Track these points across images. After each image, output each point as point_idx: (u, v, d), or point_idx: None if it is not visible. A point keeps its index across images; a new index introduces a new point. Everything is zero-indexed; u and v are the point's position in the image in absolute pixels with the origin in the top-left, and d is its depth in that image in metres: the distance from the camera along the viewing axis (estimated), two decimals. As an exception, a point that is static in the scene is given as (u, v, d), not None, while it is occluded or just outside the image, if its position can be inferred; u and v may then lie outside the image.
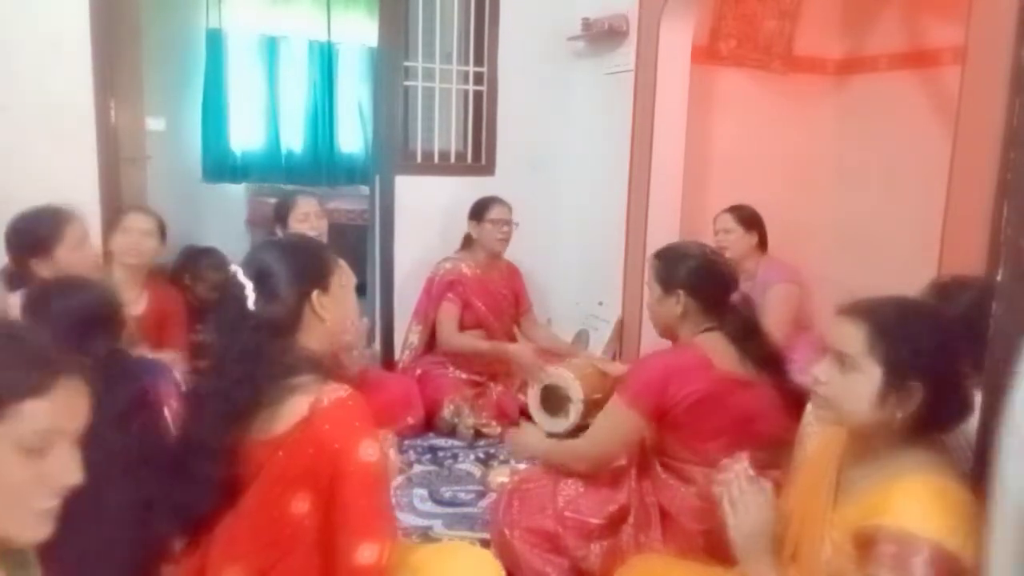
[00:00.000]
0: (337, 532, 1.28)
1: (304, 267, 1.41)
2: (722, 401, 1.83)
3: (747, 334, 1.91)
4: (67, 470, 0.88)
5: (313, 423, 1.28)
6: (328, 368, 1.38)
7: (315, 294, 1.39)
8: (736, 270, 2.20)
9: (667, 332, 2.03)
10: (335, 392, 1.31)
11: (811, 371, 1.28)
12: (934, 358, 1.18)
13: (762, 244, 3.22)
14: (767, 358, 1.91)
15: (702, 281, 1.93)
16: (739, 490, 1.34)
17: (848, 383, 1.21)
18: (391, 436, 1.65)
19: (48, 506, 0.89)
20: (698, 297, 1.92)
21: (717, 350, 1.89)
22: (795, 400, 1.86)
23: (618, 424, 1.92)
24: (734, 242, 3.14)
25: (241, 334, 1.32)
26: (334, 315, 1.42)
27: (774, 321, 2.88)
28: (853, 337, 1.20)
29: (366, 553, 1.28)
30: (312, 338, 1.39)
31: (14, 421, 0.85)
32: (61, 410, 0.88)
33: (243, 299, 1.33)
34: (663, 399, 1.84)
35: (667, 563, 1.71)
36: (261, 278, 1.36)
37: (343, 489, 1.27)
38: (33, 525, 0.89)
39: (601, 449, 1.98)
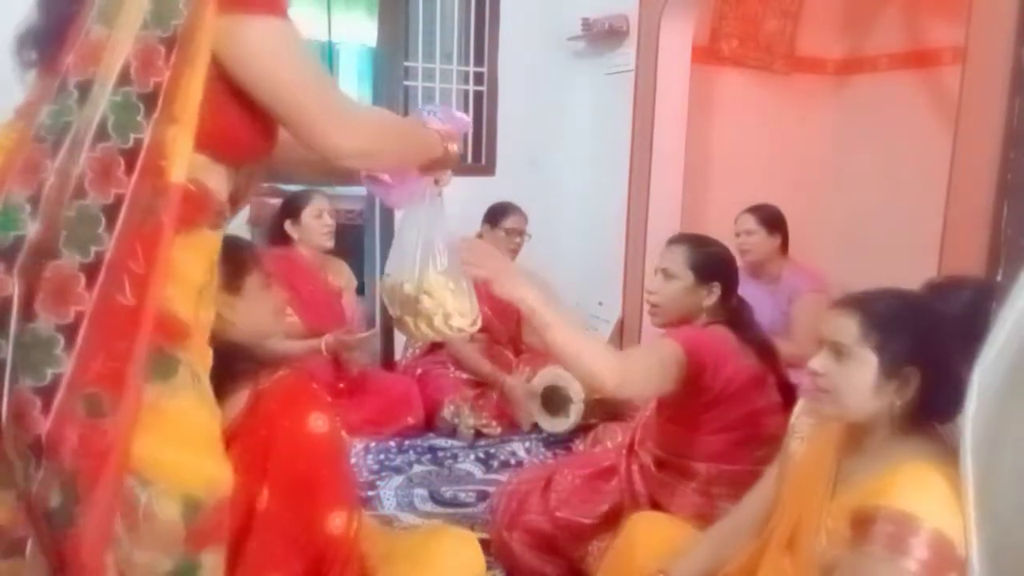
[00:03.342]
0: (303, 508, 1.28)
1: None
2: (745, 394, 1.80)
3: (747, 328, 1.91)
4: None
5: (260, 405, 1.30)
6: (261, 356, 1.39)
7: (221, 297, 1.36)
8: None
9: (680, 323, 1.97)
10: (275, 373, 1.34)
11: (808, 365, 1.29)
12: (927, 342, 1.20)
13: (784, 246, 3.07)
14: (765, 351, 1.91)
15: (733, 275, 1.94)
16: None
17: (845, 373, 1.22)
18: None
19: None
20: (728, 290, 1.92)
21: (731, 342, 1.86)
22: (791, 395, 1.87)
23: (665, 355, 1.71)
24: (756, 244, 2.98)
25: None
26: (247, 317, 1.37)
27: (805, 331, 2.75)
28: (847, 327, 1.22)
29: (337, 522, 1.29)
30: (229, 334, 1.34)
31: None
32: None
33: None
34: (705, 365, 1.73)
35: (662, 521, 1.71)
36: None
37: (301, 463, 1.28)
38: None
39: (636, 370, 1.68)
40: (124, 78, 1.01)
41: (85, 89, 1.02)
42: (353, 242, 3.92)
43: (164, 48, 1.02)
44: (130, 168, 0.99)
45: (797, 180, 3.78)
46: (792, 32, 3.70)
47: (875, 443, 1.23)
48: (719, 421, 1.82)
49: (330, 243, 2.97)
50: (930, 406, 1.21)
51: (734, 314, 1.93)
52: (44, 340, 0.94)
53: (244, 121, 1.13)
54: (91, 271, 0.96)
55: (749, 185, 3.49)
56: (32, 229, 0.97)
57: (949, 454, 1.18)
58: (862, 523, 1.14)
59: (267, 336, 1.48)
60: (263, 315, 1.45)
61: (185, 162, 1.03)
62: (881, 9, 3.64)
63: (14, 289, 0.95)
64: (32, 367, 0.94)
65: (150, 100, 1.01)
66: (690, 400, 1.79)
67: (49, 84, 1.06)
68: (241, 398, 1.31)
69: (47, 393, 0.93)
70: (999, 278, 1.12)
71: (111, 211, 0.98)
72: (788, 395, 1.88)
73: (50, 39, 1.08)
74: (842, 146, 3.82)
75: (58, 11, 1.09)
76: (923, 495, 1.11)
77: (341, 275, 3.16)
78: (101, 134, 1.00)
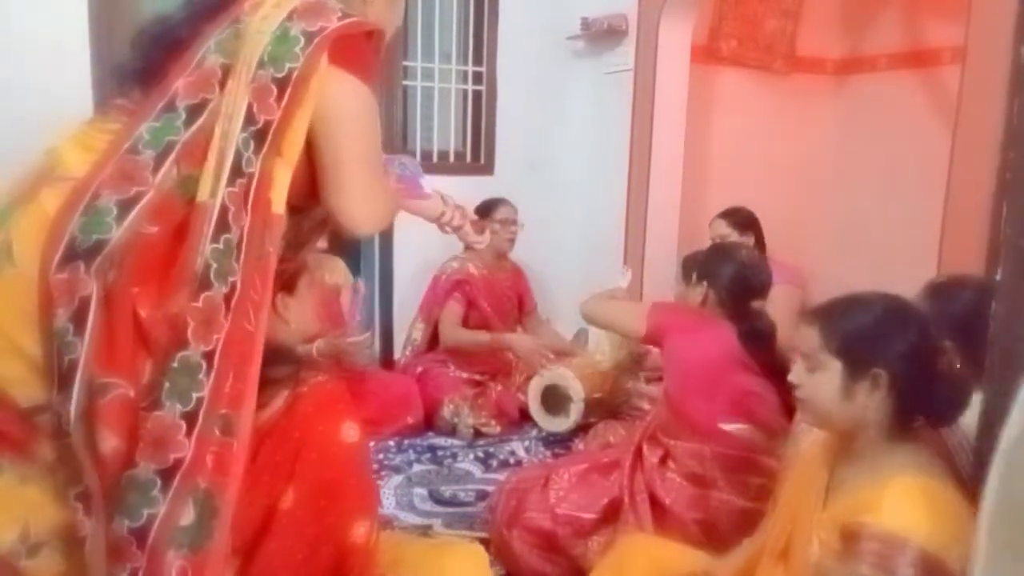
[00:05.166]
0: (328, 514, 1.30)
1: None
2: (731, 371, 1.94)
3: (757, 342, 1.98)
4: None
5: (297, 408, 1.32)
6: (301, 359, 1.41)
7: (279, 296, 1.40)
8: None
9: None
10: (314, 378, 1.37)
11: (788, 379, 1.33)
12: (887, 342, 1.21)
13: (759, 245, 3.16)
14: (772, 369, 1.94)
15: (724, 280, 2.04)
16: None
17: (815, 381, 1.26)
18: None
19: None
20: (717, 292, 2.04)
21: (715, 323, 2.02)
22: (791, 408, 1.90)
23: (630, 314, 2.25)
24: None
25: None
26: (298, 316, 1.44)
27: (777, 320, 2.87)
28: (810, 336, 1.27)
29: (360, 530, 1.31)
30: (279, 336, 1.40)
31: None
32: None
33: None
34: (667, 327, 2.05)
35: (653, 543, 1.73)
36: None
37: (330, 470, 1.30)
38: None
39: (603, 301, 2.44)
40: (250, 118, 1.07)
41: (195, 112, 1.07)
42: (353, 241, 3.92)
43: (276, 88, 1.07)
44: (246, 201, 1.06)
45: (797, 180, 3.78)
46: (792, 32, 3.70)
47: (864, 449, 1.23)
48: (703, 392, 1.95)
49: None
50: (912, 408, 1.20)
51: (743, 324, 1.99)
52: (193, 367, 1.00)
53: (309, 166, 1.17)
54: (228, 300, 1.03)
55: (748, 184, 3.49)
56: (116, 234, 1.02)
57: (943, 462, 1.18)
58: (849, 539, 1.14)
59: (313, 335, 1.52)
60: (310, 314, 1.49)
61: (284, 194, 1.10)
62: (881, 9, 3.64)
63: (93, 289, 1.00)
64: (180, 393, 0.99)
65: (260, 136, 1.07)
66: (670, 358, 2.09)
67: (152, 101, 1.10)
68: (280, 399, 1.32)
69: (191, 417, 1.00)
70: (999, 278, 1.11)
71: (238, 243, 1.05)
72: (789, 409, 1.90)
73: (161, 62, 1.13)
74: (842, 146, 3.82)
75: (175, 38, 1.14)
76: (909, 512, 1.10)
77: (337, 273, 3.14)
78: (238, 170, 1.05)
